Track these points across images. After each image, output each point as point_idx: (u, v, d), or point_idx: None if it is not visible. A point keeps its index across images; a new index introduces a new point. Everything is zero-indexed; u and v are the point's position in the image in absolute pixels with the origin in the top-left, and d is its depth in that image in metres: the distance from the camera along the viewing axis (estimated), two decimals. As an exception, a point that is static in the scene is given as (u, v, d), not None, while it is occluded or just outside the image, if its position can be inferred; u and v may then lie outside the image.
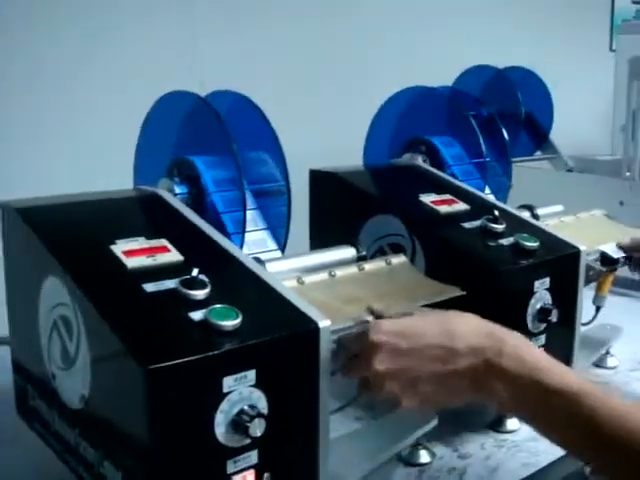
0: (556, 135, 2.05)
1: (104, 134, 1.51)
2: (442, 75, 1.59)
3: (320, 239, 1.19)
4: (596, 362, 1.28)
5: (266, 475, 0.74)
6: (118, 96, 1.53)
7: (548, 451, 1.01)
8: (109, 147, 1.52)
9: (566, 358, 1.09)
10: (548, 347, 1.05)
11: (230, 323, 0.71)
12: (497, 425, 1.08)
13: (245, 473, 0.72)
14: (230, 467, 0.71)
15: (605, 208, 1.41)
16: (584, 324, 1.15)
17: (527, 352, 0.75)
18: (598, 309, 1.21)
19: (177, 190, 1.01)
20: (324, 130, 1.80)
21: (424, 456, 1.00)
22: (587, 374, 1.22)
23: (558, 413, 0.70)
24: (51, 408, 0.86)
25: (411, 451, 1.00)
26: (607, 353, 1.30)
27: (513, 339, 0.76)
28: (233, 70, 1.67)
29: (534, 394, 0.72)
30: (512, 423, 1.08)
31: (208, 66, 1.67)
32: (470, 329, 0.76)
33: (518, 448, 1.03)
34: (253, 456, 0.73)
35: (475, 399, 0.77)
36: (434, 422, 0.97)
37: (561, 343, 1.09)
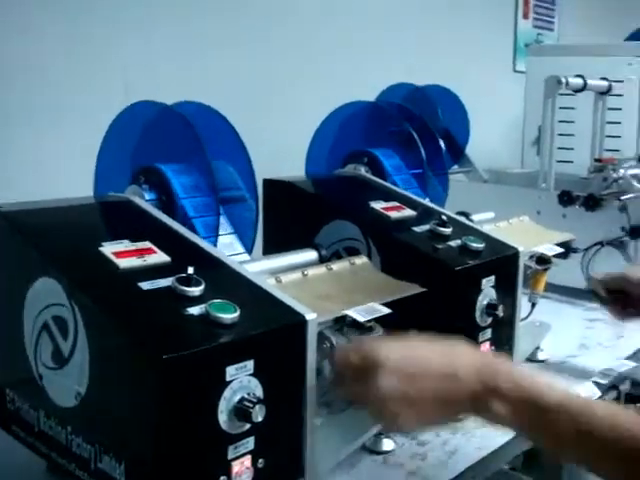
0: (469, 150, 2.18)
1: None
2: (364, 92, 1.66)
3: (274, 244, 1.24)
4: (528, 356, 1.38)
5: (260, 460, 0.79)
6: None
7: (497, 436, 1.10)
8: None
9: (509, 351, 1.19)
10: (493, 340, 1.14)
11: (230, 316, 0.76)
12: (448, 415, 1.16)
13: (243, 459, 0.77)
14: (231, 453, 0.76)
15: (523, 216, 1.51)
16: (521, 319, 1.25)
17: (520, 374, 0.82)
18: (533, 305, 1.31)
19: (146, 196, 1.04)
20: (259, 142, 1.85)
21: (387, 444, 1.06)
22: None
23: (555, 426, 0.77)
24: (36, 409, 0.88)
25: (374, 440, 1.06)
26: (537, 348, 1.40)
27: (505, 364, 0.84)
28: (161, 78, 1.69)
29: (530, 411, 0.79)
30: (461, 413, 1.16)
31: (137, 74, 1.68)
32: (467, 356, 0.83)
33: (471, 434, 1.11)
34: (250, 442, 0.77)
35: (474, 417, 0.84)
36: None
37: (503, 337, 1.18)
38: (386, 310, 0.93)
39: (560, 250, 1.29)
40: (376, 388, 0.80)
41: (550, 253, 1.26)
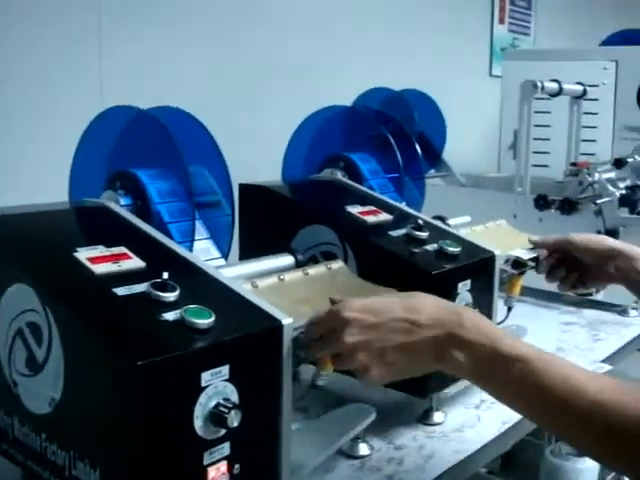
0: (446, 154, 2.19)
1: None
2: (341, 97, 1.66)
3: (250, 249, 1.24)
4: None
5: (236, 466, 0.79)
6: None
7: (473, 439, 1.11)
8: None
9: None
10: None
11: (205, 321, 0.76)
12: (425, 418, 1.16)
13: (219, 464, 0.77)
14: (206, 459, 0.75)
15: (499, 221, 1.52)
16: (497, 323, 1.25)
17: (483, 324, 0.84)
18: (509, 309, 1.32)
19: (122, 202, 1.04)
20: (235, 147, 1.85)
21: (364, 449, 1.06)
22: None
23: (512, 378, 0.79)
24: (10, 416, 0.87)
25: (351, 445, 1.06)
26: (514, 351, 1.40)
27: (470, 313, 0.86)
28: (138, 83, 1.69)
29: (492, 361, 0.80)
30: (438, 416, 1.17)
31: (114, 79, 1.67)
32: (431, 304, 0.85)
33: (447, 438, 1.11)
34: (226, 448, 0.77)
35: (436, 368, 0.85)
36: (372, 417, 1.04)
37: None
38: None
39: (536, 254, 1.30)
40: (343, 342, 0.83)
41: (526, 257, 1.27)
